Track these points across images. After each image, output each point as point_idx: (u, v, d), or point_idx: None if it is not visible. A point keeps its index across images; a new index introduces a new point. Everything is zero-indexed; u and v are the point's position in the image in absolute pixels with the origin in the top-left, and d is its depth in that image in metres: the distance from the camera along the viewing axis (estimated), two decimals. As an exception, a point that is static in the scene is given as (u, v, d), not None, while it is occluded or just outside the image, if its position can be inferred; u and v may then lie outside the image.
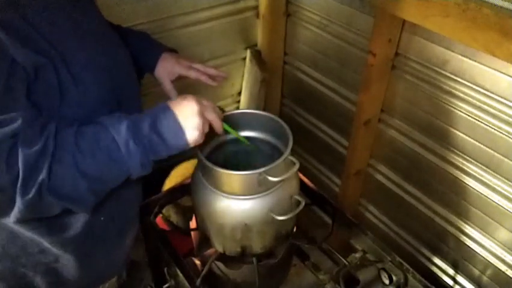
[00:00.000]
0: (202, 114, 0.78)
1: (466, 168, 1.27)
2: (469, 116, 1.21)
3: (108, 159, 0.72)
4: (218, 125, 0.84)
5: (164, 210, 1.44)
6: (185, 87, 1.68)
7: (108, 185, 0.77)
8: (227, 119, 1.03)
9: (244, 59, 1.81)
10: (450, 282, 1.48)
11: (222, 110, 1.07)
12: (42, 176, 0.67)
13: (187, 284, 1.06)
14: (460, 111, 1.22)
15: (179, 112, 0.77)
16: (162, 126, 0.75)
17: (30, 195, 0.67)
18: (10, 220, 0.72)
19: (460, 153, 1.27)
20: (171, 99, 1.05)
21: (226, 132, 0.88)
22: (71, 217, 0.82)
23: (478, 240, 1.33)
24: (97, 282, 0.96)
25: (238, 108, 1.93)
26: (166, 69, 1.05)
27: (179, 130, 0.76)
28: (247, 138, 1.05)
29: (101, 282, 0.96)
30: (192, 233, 1.23)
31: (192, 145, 0.79)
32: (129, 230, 0.99)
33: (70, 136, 0.70)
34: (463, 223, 1.35)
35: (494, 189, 1.22)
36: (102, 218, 0.86)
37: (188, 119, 0.77)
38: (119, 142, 0.71)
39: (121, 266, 1.01)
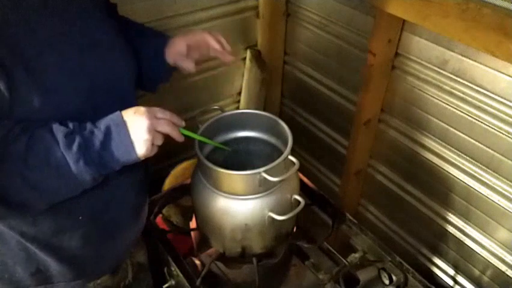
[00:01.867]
0: (152, 130, 0.76)
1: (466, 168, 1.27)
2: (468, 116, 1.21)
3: (57, 175, 0.72)
4: (176, 136, 0.81)
5: (164, 210, 1.44)
6: (187, 87, 1.69)
7: (60, 196, 0.77)
8: (227, 119, 1.03)
9: (244, 59, 1.81)
10: (450, 282, 1.48)
11: (221, 110, 1.07)
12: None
13: (187, 284, 1.06)
14: (460, 111, 1.22)
15: (130, 126, 0.75)
16: (113, 144, 0.74)
17: None
18: None
19: (460, 153, 1.27)
20: (189, 70, 1.00)
21: (188, 137, 0.87)
22: (74, 206, 0.83)
23: (478, 240, 1.33)
24: (89, 276, 0.96)
25: (238, 108, 1.93)
26: (174, 47, 1.00)
27: (129, 145, 0.75)
28: (248, 138, 1.05)
29: (92, 277, 0.97)
30: (192, 233, 1.23)
31: (142, 158, 0.78)
32: (122, 231, 0.97)
33: (20, 147, 0.70)
34: (463, 223, 1.35)
35: (494, 189, 1.22)
36: (80, 218, 0.86)
37: (138, 134, 0.75)
38: (69, 160, 0.71)
39: (111, 265, 1.01)
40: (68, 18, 0.77)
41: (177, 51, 0.99)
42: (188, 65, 1.00)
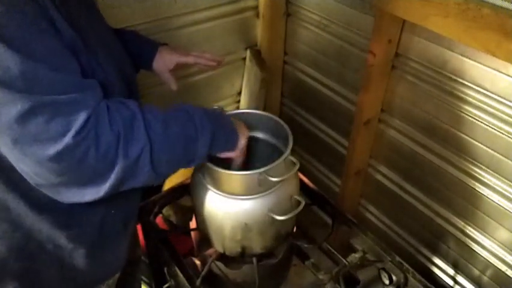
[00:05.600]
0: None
1: (466, 168, 1.27)
2: (469, 116, 1.21)
3: (185, 134, 0.77)
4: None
5: (164, 210, 1.44)
6: (186, 87, 1.69)
7: (172, 165, 0.79)
8: None
9: (244, 58, 1.81)
10: (450, 282, 1.48)
11: (222, 110, 1.08)
12: (142, 140, 0.69)
13: (187, 284, 1.06)
14: (460, 111, 1.22)
15: (234, 121, 0.89)
16: (223, 119, 0.86)
17: (132, 156, 0.68)
18: (96, 196, 0.71)
19: (460, 153, 1.27)
20: (171, 87, 1.08)
21: None
22: (89, 211, 0.83)
23: (478, 240, 1.33)
24: (103, 277, 0.96)
25: (238, 108, 1.93)
26: (164, 59, 1.06)
27: (234, 129, 0.88)
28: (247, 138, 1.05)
29: (107, 278, 0.97)
30: (192, 233, 1.23)
31: (237, 151, 0.89)
32: (132, 221, 0.99)
33: (154, 107, 0.75)
34: (463, 223, 1.35)
35: (494, 189, 1.22)
36: (112, 211, 0.87)
37: (240, 128, 0.90)
38: (195, 119, 0.78)
39: (124, 260, 1.01)
40: (91, 14, 0.84)
41: (165, 65, 1.07)
42: (173, 86, 1.09)
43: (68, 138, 0.62)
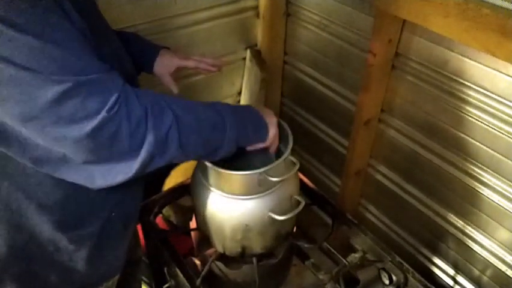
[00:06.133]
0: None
1: (466, 168, 1.27)
2: (469, 116, 1.21)
3: (213, 122, 0.79)
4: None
5: (164, 210, 1.44)
6: (187, 87, 1.69)
7: (199, 149, 0.81)
8: None
9: (244, 58, 1.81)
10: (450, 282, 1.48)
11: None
12: (170, 117, 0.72)
13: (187, 284, 1.06)
14: (460, 111, 1.22)
15: (261, 110, 0.93)
16: (251, 113, 0.90)
17: (161, 131, 0.71)
18: (128, 174, 0.73)
19: (460, 153, 1.27)
20: (172, 92, 1.07)
21: None
22: (91, 213, 0.84)
23: (478, 240, 1.33)
24: (103, 279, 0.96)
25: (238, 108, 1.93)
26: (164, 63, 1.07)
27: (263, 121, 0.91)
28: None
29: (106, 279, 0.97)
30: (192, 233, 1.23)
31: (269, 140, 0.92)
32: (132, 223, 0.99)
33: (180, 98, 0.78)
34: (463, 223, 1.35)
35: (494, 189, 1.22)
36: (113, 213, 0.87)
37: (269, 117, 0.93)
38: (222, 112, 0.81)
39: (124, 261, 1.01)
40: (94, 12, 0.85)
41: (166, 69, 1.07)
42: (174, 89, 1.10)
43: (102, 114, 0.65)
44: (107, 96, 0.66)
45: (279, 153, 0.97)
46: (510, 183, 1.18)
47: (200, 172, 0.99)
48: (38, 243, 0.81)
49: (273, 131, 0.92)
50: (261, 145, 0.92)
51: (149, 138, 0.70)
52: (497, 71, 1.10)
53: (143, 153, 0.71)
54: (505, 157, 1.17)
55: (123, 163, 0.72)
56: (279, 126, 1.01)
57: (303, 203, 0.95)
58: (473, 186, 1.27)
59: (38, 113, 0.63)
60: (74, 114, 0.64)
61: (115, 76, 0.69)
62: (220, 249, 1.06)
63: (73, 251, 0.85)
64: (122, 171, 0.72)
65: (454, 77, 1.20)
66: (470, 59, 1.14)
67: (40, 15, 0.61)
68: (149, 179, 1.00)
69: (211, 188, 0.96)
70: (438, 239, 1.45)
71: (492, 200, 1.24)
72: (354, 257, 1.14)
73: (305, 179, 1.30)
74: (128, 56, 0.94)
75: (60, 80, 0.62)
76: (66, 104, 0.63)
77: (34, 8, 0.60)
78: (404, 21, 1.25)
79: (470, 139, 1.23)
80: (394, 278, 1.09)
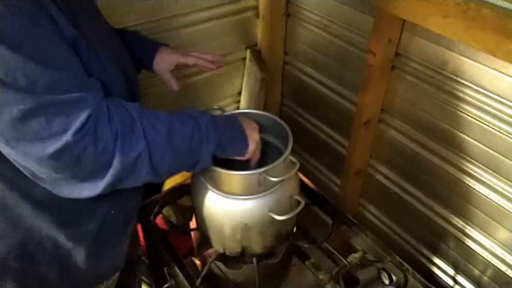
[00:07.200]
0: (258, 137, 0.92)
1: (465, 168, 1.27)
2: (469, 116, 1.21)
3: (190, 140, 0.78)
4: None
5: (164, 210, 1.44)
6: (187, 87, 1.69)
7: (173, 169, 0.80)
8: None
9: (244, 59, 1.81)
10: (450, 282, 1.48)
11: (221, 110, 1.08)
12: (141, 143, 0.70)
13: (187, 284, 1.06)
14: (460, 111, 1.22)
15: (245, 124, 0.90)
16: (233, 126, 0.87)
17: (129, 157, 0.69)
18: (94, 192, 0.72)
19: (460, 153, 1.27)
20: (172, 88, 1.07)
21: None
22: (89, 211, 0.84)
23: (478, 240, 1.33)
24: (103, 277, 0.96)
25: (238, 108, 1.93)
26: (164, 59, 1.06)
27: (243, 136, 0.88)
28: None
29: (106, 278, 0.97)
30: (192, 233, 1.23)
31: (248, 154, 0.90)
32: (132, 222, 0.99)
33: (161, 111, 0.77)
34: (463, 223, 1.35)
35: (494, 189, 1.22)
36: (112, 212, 0.87)
37: (251, 132, 0.90)
38: (201, 126, 0.79)
39: (124, 260, 1.01)
40: (92, 13, 0.85)
41: (165, 66, 1.07)
42: (174, 86, 1.09)
43: (67, 136, 0.64)
44: (75, 117, 0.64)
45: (279, 153, 0.97)
46: (510, 183, 1.18)
47: (200, 172, 0.99)
48: (37, 240, 0.81)
49: (252, 146, 0.90)
50: (238, 158, 0.91)
51: (115, 164, 0.69)
52: (497, 71, 1.10)
53: (108, 177, 0.70)
54: (505, 157, 1.16)
55: (89, 182, 0.71)
56: (279, 126, 1.01)
57: (303, 203, 0.95)
58: (473, 186, 1.27)
59: (3, 127, 0.62)
60: (38, 133, 0.63)
61: (91, 95, 0.67)
62: (220, 249, 1.06)
63: (72, 248, 0.85)
64: (87, 189, 0.72)
65: (454, 77, 1.20)
66: (470, 59, 1.14)
67: (20, 25, 0.59)
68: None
69: (211, 188, 0.96)
70: (438, 239, 1.45)
71: (492, 200, 1.24)
72: (354, 257, 1.14)
73: (305, 179, 1.30)
74: (129, 56, 0.94)
75: (28, 98, 0.61)
76: (30, 122, 0.62)
77: (14, 16, 0.58)
78: (404, 21, 1.25)
79: (470, 139, 1.23)
80: (394, 278, 1.08)
